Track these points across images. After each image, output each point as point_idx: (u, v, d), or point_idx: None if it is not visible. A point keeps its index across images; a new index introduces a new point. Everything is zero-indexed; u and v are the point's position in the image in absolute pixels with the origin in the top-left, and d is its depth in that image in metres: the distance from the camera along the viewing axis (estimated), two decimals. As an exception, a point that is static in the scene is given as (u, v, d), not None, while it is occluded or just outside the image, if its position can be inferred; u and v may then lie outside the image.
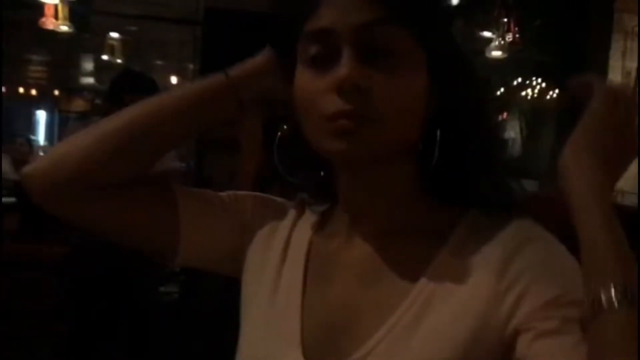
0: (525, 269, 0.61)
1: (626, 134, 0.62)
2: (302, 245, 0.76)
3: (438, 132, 0.67)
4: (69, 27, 4.74)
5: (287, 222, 0.79)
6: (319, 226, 0.77)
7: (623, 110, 0.62)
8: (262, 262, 0.77)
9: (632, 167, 0.65)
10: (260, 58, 0.76)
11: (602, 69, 3.64)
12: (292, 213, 0.80)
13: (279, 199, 0.83)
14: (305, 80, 0.66)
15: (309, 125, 0.66)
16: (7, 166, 5.03)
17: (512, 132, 5.94)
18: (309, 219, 0.79)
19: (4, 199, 3.45)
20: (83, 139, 0.73)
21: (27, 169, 0.74)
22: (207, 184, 3.26)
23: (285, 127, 0.73)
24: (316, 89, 0.64)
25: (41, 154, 6.33)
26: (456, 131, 0.68)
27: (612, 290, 0.53)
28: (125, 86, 2.68)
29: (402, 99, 0.63)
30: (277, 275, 0.75)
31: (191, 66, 6.78)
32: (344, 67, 0.61)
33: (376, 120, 0.62)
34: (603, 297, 0.53)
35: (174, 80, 7.07)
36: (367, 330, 0.65)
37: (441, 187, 0.70)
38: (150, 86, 2.72)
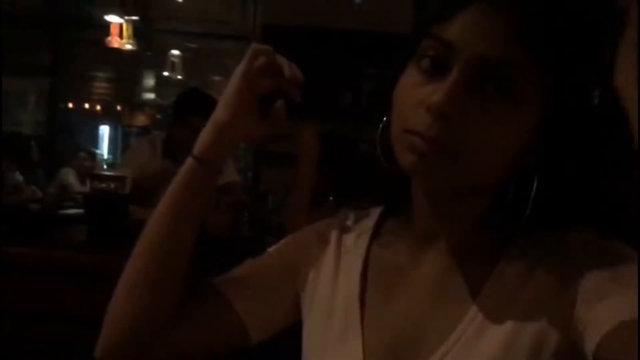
0: (578, 271, 0.60)
1: None
2: (357, 257, 0.75)
3: (535, 183, 0.63)
4: (133, 45, 4.92)
5: (333, 241, 0.78)
6: (376, 235, 0.76)
7: None
8: (315, 287, 0.76)
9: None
10: (220, 116, 0.74)
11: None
12: (335, 231, 0.79)
13: (317, 223, 0.82)
14: (410, 81, 0.64)
15: (394, 126, 0.65)
16: (72, 179, 5.22)
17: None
18: (360, 230, 0.77)
19: (70, 211, 3.60)
20: (122, 299, 0.74)
21: (99, 353, 0.75)
22: (264, 197, 3.30)
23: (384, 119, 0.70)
24: (413, 96, 0.62)
25: (105, 166, 6.56)
26: (560, 179, 0.63)
27: None
28: (189, 107, 2.76)
29: (492, 144, 0.59)
30: (332, 293, 0.74)
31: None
32: (442, 92, 0.58)
33: (452, 155, 0.59)
34: None
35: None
36: (428, 350, 0.64)
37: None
38: (213, 108, 2.77)
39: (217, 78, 7.36)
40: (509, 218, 0.67)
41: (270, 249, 0.82)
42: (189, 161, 0.75)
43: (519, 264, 0.65)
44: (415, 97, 0.62)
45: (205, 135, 0.76)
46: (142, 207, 2.72)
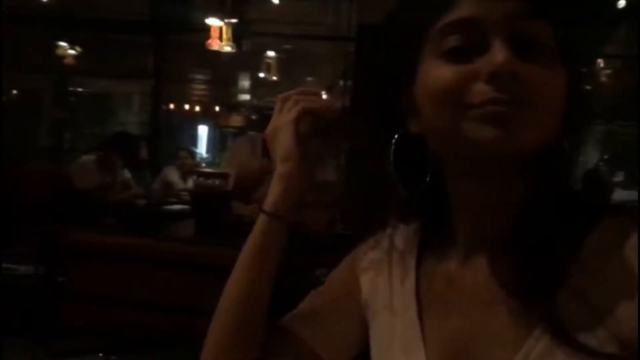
0: None
1: None
2: (409, 275, 0.73)
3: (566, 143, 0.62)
4: (232, 47, 5.06)
5: (384, 261, 0.77)
6: (423, 250, 0.74)
7: None
8: (375, 308, 0.76)
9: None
10: (284, 168, 0.74)
11: None
12: (384, 250, 0.78)
13: (369, 241, 0.81)
14: (441, 71, 0.60)
15: (443, 117, 0.60)
16: (175, 177, 5.46)
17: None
18: (408, 245, 0.76)
19: (176, 207, 3.77)
20: (211, 348, 0.76)
21: None
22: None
23: (400, 132, 0.68)
24: (457, 78, 0.59)
25: (203, 164, 6.81)
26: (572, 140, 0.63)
27: None
28: None
29: (555, 90, 0.59)
30: (391, 313, 0.73)
31: (341, 82, 6.95)
32: (500, 54, 0.57)
33: (536, 106, 0.58)
34: None
35: (323, 95, 7.28)
36: None
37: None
38: None
39: (309, 78, 7.49)
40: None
41: (331, 276, 0.82)
42: (261, 217, 0.75)
43: (594, 265, 0.59)
44: (459, 78, 0.59)
45: (273, 189, 0.75)
46: (243, 203, 2.81)
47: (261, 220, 0.75)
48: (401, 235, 0.77)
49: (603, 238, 0.60)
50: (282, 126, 0.75)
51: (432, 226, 0.74)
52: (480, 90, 0.58)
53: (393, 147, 0.68)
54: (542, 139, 0.59)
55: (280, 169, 0.75)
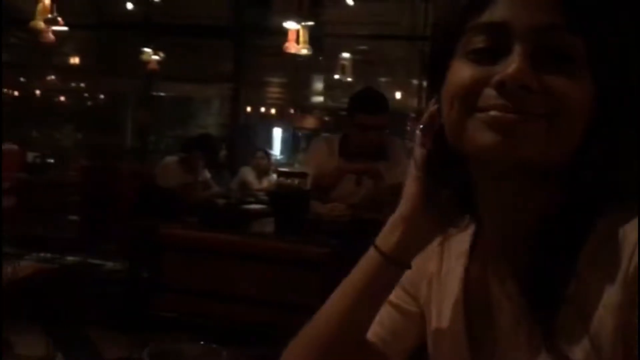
0: None
1: None
2: (456, 286, 0.73)
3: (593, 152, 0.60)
4: (309, 50, 5.12)
5: (435, 269, 0.77)
6: (472, 251, 0.74)
7: None
8: (429, 315, 0.77)
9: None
10: (403, 210, 0.69)
11: None
12: (437, 258, 0.77)
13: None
14: (462, 71, 0.62)
15: (454, 114, 0.62)
16: (251, 177, 5.59)
17: None
18: (458, 246, 0.75)
19: (252, 206, 3.87)
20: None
21: None
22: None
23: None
24: (473, 79, 0.60)
25: (277, 165, 6.94)
26: (609, 153, 0.61)
27: None
28: (357, 105, 2.87)
29: (575, 103, 0.58)
30: (439, 322, 0.74)
31: (415, 82, 6.91)
32: (513, 64, 0.57)
33: (548, 119, 0.58)
34: None
35: (398, 95, 7.26)
36: None
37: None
38: (380, 107, 2.87)
39: (382, 79, 7.46)
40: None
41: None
42: (375, 256, 0.70)
43: (587, 284, 0.59)
44: (474, 79, 0.60)
45: (392, 230, 0.70)
46: (321, 203, 2.86)
47: (376, 260, 0.70)
48: (454, 241, 0.76)
49: (593, 244, 0.60)
50: (413, 162, 0.71)
51: (480, 232, 0.73)
52: (489, 95, 0.59)
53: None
54: (552, 151, 0.59)
55: (400, 209, 0.70)
